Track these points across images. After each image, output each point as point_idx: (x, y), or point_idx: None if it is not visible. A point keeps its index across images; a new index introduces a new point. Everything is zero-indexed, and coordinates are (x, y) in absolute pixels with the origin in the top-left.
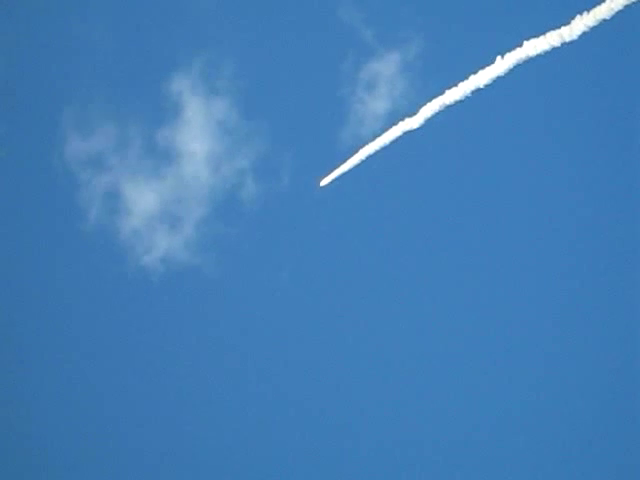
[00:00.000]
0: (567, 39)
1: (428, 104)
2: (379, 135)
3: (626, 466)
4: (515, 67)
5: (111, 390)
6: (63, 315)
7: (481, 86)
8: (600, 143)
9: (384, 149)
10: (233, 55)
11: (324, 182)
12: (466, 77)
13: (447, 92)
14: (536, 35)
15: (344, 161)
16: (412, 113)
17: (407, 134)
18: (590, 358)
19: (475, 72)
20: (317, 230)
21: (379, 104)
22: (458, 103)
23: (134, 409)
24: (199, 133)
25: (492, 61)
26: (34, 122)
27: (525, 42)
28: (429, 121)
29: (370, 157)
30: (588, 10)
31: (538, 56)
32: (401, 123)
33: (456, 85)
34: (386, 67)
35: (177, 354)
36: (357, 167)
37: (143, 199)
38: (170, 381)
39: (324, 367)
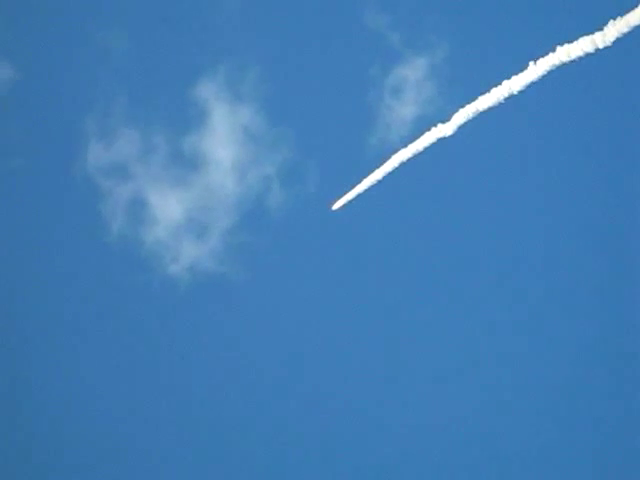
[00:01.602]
0: (600, 45)
1: (460, 110)
2: (408, 142)
3: (626, 466)
4: (548, 73)
5: (141, 398)
6: (91, 327)
7: (514, 92)
8: (635, 147)
9: (416, 157)
10: (258, 61)
11: (336, 206)
12: (495, 83)
13: (479, 98)
14: (567, 40)
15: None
16: (440, 119)
17: (440, 141)
18: (590, 358)
19: (504, 77)
20: (343, 238)
21: (407, 109)
22: (490, 110)
23: (164, 416)
24: (225, 140)
25: (520, 65)
26: (55, 130)
27: (558, 47)
28: (462, 128)
29: (402, 164)
30: (621, 15)
31: (571, 62)
32: (433, 129)
33: (487, 91)
34: (413, 72)
35: (204, 362)
36: (388, 175)
37: (169, 208)
38: (198, 389)
39: (348, 372)
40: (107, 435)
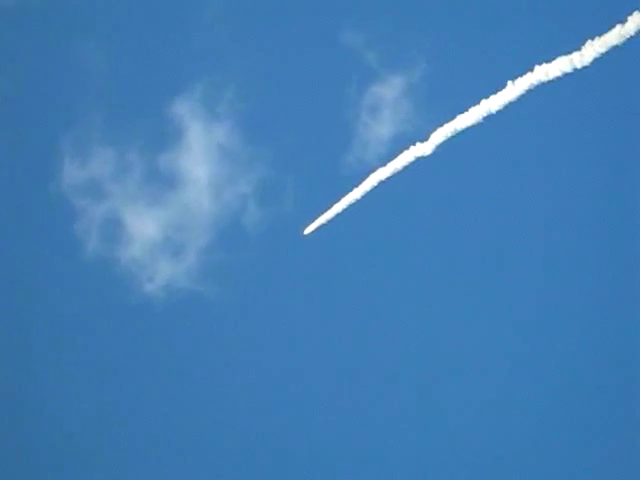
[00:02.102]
0: (578, 65)
1: (439, 129)
2: (385, 161)
3: (626, 465)
4: (526, 92)
5: (116, 419)
6: (66, 347)
7: (493, 111)
8: (613, 168)
9: (394, 176)
10: (235, 79)
11: (308, 230)
12: (472, 102)
13: (458, 117)
14: (545, 60)
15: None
16: (417, 137)
17: (418, 160)
18: (590, 358)
19: (482, 96)
20: (320, 257)
21: (384, 128)
22: (469, 129)
23: (139, 435)
24: (201, 158)
25: (498, 85)
26: (29, 147)
27: (536, 67)
28: (440, 147)
29: (381, 184)
30: (599, 35)
31: (549, 82)
32: (412, 148)
33: (465, 110)
34: (390, 90)
35: (181, 381)
36: (367, 195)
37: (144, 226)
38: (174, 408)
39: (326, 392)
40: (86, 453)
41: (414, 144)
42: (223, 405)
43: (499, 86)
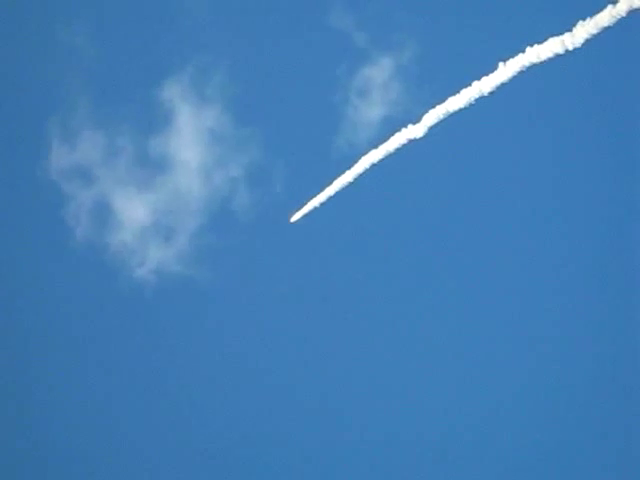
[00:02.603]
0: (569, 46)
1: (431, 111)
2: (376, 143)
3: (625, 465)
4: (517, 74)
5: (108, 403)
6: (57, 334)
7: (485, 93)
8: (604, 149)
9: (386, 158)
10: (224, 62)
11: (295, 218)
12: (463, 83)
13: (449, 99)
14: (537, 41)
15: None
16: (407, 119)
17: (410, 142)
18: (590, 357)
19: (473, 78)
20: (311, 239)
21: (373, 110)
22: (461, 111)
23: (132, 420)
24: (190, 142)
25: (488, 66)
26: (15, 132)
27: (528, 48)
28: (432, 129)
29: (373, 166)
30: (590, 17)
31: (540, 63)
32: (403, 130)
33: (455, 92)
34: (380, 72)
35: (172, 365)
36: (359, 178)
37: (134, 211)
38: (166, 393)
39: (319, 374)
40: (73, 445)
41: (405, 126)
42: (215, 388)
43: (490, 68)
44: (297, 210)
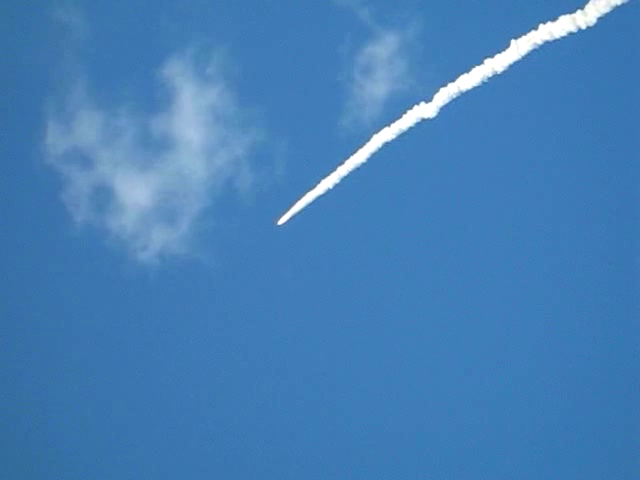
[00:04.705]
0: (581, 24)
1: (442, 90)
2: (382, 122)
3: (625, 465)
4: (529, 53)
5: (113, 389)
6: (61, 322)
7: (498, 72)
8: (616, 127)
9: (399, 138)
10: (226, 40)
11: (281, 221)
12: (469, 60)
13: (461, 78)
14: (549, 19)
15: (338, 158)
16: (413, 98)
17: (421, 122)
18: (590, 357)
19: (479, 55)
20: (317, 220)
21: (378, 88)
22: (473, 90)
23: (136, 405)
24: (193, 121)
25: (495, 44)
26: (9, 113)
27: (541, 25)
28: (444, 109)
29: (384, 146)
30: None
31: (554, 41)
32: (415, 108)
33: (461, 68)
34: (384, 49)
35: (177, 350)
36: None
37: (136, 194)
38: (171, 378)
39: (322, 359)
40: (83, 428)
41: (411, 107)
42: (220, 373)
43: (499, 46)
44: (309, 190)
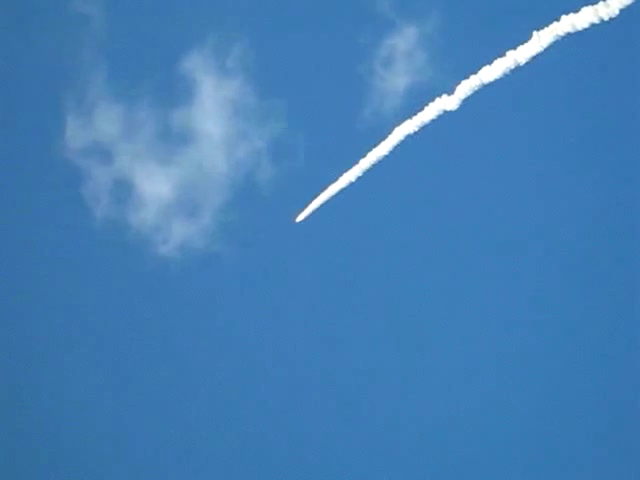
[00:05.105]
0: (604, 16)
1: (464, 82)
2: (404, 114)
3: (625, 465)
4: (550, 45)
5: (134, 381)
6: (84, 316)
7: (520, 64)
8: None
9: (421, 130)
10: (247, 32)
11: (300, 218)
12: (488, 52)
13: (483, 70)
14: (571, 10)
15: (359, 150)
16: (434, 89)
17: (442, 115)
18: (590, 357)
19: (503, 47)
20: (336, 215)
21: (399, 80)
22: (496, 82)
23: (157, 394)
24: (213, 114)
25: (515, 36)
26: (28, 107)
27: (563, 17)
28: (466, 101)
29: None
30: None
31: (575, 33)
32: (437, 100)
33: (481, 60)
34: (404, 41)
35: (198, 342)
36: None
37: (156, 187)
38: (192, 368)
39: (336, 352)
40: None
41: (432, 99)
42: (239, 363)
43: (522, 37)
44: (330, 183)
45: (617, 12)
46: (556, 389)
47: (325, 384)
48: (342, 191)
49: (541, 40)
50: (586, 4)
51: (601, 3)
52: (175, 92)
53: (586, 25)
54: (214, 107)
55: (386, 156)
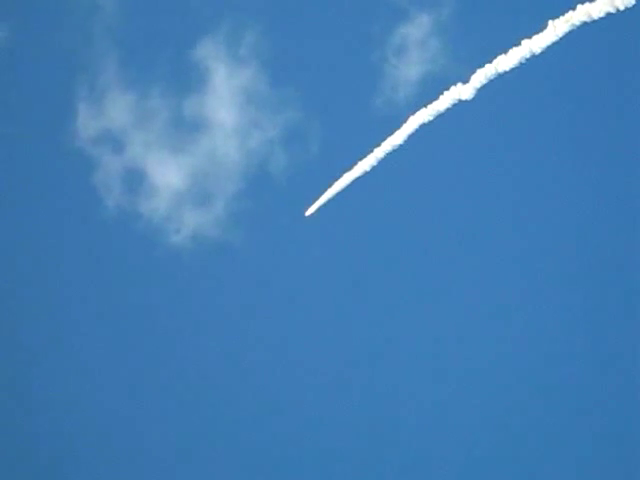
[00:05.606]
0: (620, 6)
1: (479, 71)
2: (418, 103)
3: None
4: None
5: (146, 370)
6: (95, 306)
7: (536, 53)
8: None
9: (436, 119)
10: (259, 20)
11: (313, 207)
12: (502, 41)
13: (498, 59)
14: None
15: (372, 139)
16: (448, 78)
17: (457, 105)
18: (589, 357)
19: (518, 36)
20: (351, 202)
21: (412, 69)
22: (511, 71)
23: (169, 385)
24: (226, 103)
25: (529, 24)
26: (39, 95)
27: (579, 6)
28: (480, 90)
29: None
30: None
31: (590, 22)
32: (452, 89)
33: (495, 49)
34: (418, 29)
35: (210, 331)
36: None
37: (168, 176)
38: (203, 357)
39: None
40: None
41: (446, 88)
42: (251, 351)
43: (537, 26)
44: (345, 172)
45: (633, 1)
46: (556, 389)
47: (335, 370)
48: (356, 180)
49: (557, 29)
50: None
51: None
52: (188, 80)
53: (602, 14)
54: (227, 95)
55: (401, 145)
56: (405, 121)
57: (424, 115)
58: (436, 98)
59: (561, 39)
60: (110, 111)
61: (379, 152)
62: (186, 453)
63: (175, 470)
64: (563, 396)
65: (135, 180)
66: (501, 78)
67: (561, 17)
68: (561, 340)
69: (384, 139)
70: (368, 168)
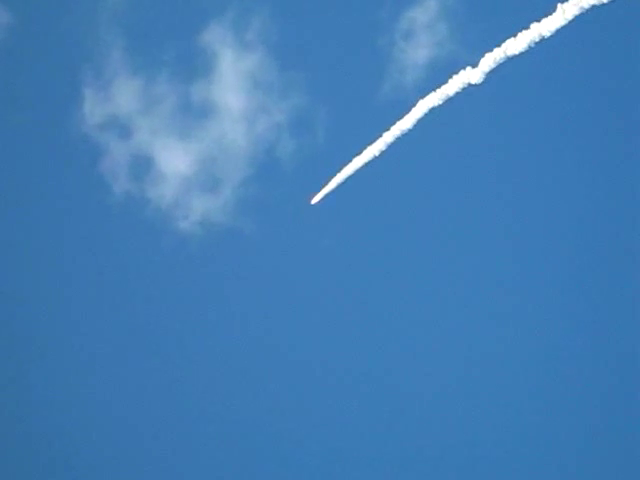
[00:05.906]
0: None
1: (487, 55)
2: (425, 87)
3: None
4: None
5: (155, 357)
6: (103, 293)
7: (545, 36)
8: None
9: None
10: (266, 5)
11: (315, 200)
12: (514, 26)
13: (507, 42)
14: None
15: (380, 124)
16: (455, 62)
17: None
18: (589, 356)
19: (527, 20)
20: (358, 188)
21: (419, 53)
22: (521, 55)
23: (177, 371)
24: (233, 88)
25: (542, 7)
26: (45, 82)
27: None
28: (490, 74)
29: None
30: None
31: (599, 5)
32: (461, 73)
33: (502, 33)
34: (425, 13)
35: (218, 318)
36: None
37: (175, 162)
38: (212, 345)
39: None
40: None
41: (455, 72)
42: (259, 338)
43: (546, 9)
44: (354, 157)
45: None
46: (556, 389)
47: (339, 361)
48: (365, 165)
49: (566, 13)
50: None
51: None
52: (195, 65)
53: None
54: (234, 81)
55: (410, 130)
56: (414, 105)
57: (433, 99)
58: (444, 82)
59: (570, 22)
60: (117, 97)
61: (388, 137)
62: (189, 446)
63: (175, 469)
64: (563, 396)
65: (142, 166)
66: (510, 62)
67: (570, 0)
68: (561, 340)
69: (392, 124)
70: (377, 153)
